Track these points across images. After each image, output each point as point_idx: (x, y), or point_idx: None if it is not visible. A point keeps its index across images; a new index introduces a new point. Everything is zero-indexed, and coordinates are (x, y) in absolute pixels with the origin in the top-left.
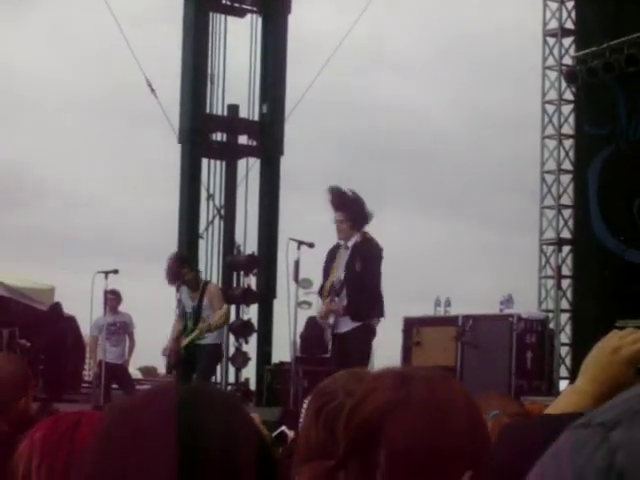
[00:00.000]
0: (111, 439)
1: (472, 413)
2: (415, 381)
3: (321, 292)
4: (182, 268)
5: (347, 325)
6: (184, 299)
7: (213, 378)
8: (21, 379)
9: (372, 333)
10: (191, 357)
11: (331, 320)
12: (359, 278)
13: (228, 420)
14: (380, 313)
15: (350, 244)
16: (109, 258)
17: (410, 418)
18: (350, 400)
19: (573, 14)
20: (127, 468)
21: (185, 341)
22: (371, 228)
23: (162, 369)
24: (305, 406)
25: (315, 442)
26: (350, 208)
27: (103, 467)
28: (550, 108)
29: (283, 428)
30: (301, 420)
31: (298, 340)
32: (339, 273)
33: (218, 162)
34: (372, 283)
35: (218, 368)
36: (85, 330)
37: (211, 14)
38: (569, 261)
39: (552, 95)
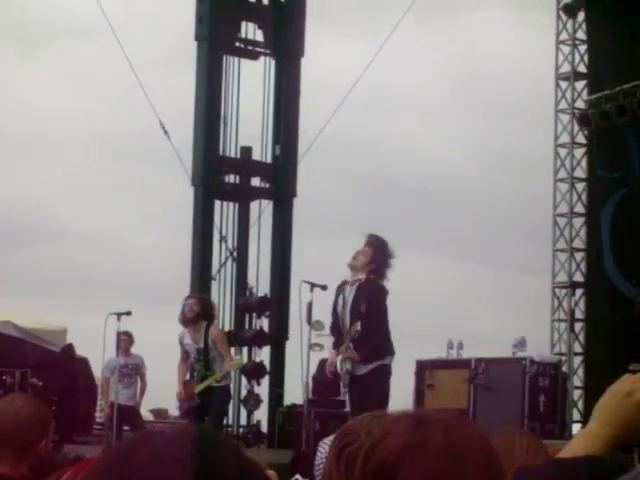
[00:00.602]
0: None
1: (489, 457)
2: (431, 424)
3: (332, 330)
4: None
5: (364, 368)
6: (186, 342)
7: (225, 420)
8: (42, 420)
9: (388, 372)
10: (203, 401)
11: (348, 366)
12: (369, 320)
13: (241, 468)
14: (391, 351)
15: (355, 285)
16: (121, 299)
17: (426, 462)
18: (368, 441)
19: (586, 57)
20: None
21: (200, 387)
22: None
23: (173, 411)
24: (320, 448)
25: None
26: (379, 252)
27: None
28: (562, 151)
29: (297, 477)
30: (316, 464)
31: (310, 382)
32: (349, 317)
33: (231, 204)
34: (380, 323)
35: (229, 409)
36: (97, 371)
37: (224, 57)
38: (582, 304)
39: (565, 138)
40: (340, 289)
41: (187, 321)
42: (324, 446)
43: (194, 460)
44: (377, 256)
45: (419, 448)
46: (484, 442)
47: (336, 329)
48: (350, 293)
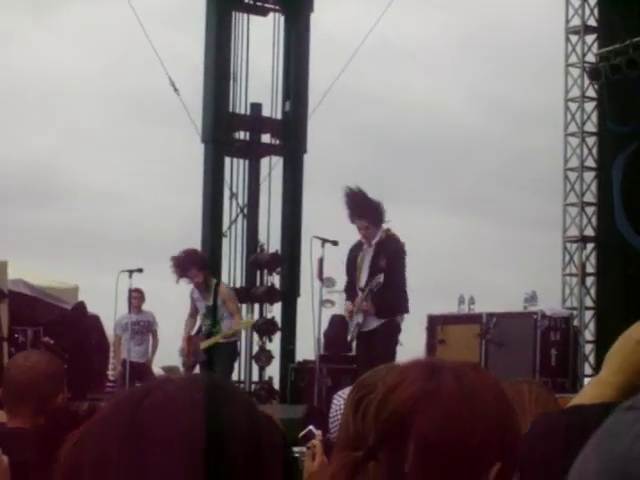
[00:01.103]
0: (140, 432)
1: (502, 405)
2: (445, 372)
3: (348, 290)
4: (188, 270)
5: (374, 322)
6: (196, 298)
7: (234, 376)
8: (57, 375)
9: (397, 329)
10: (210, 357)
11: (360, 319)
12: (386, 276)
13: (253, 416)
14: (405, 309)
15: (374, 242)
16: (133, 257)
17: (439, 409)
18: (381, 391)
19: (596, 11)
20: (153, 459)
21: (206, 343)
22: (394, 224)
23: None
24: (335, 402)
25: (353, 434)
26: (369, 212)
27: (130, 456)
28: (573, 105)
29: (311, 427)
30: (330, 417)
31: (322, 338)
32: (368, 273)
33: (241, 161)
34: (397, 280)
35: (240, 366)
36: (109, 329)
37: (233, 13)
38: (593, 259)
39: (575, 92)
40: (356, 249)
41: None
42: (339, 399)
43: (205, 406)
44: (371, 215)
45: (432, 395)
46: (497, 390)
47: (351, 288)
48: (368, 251)
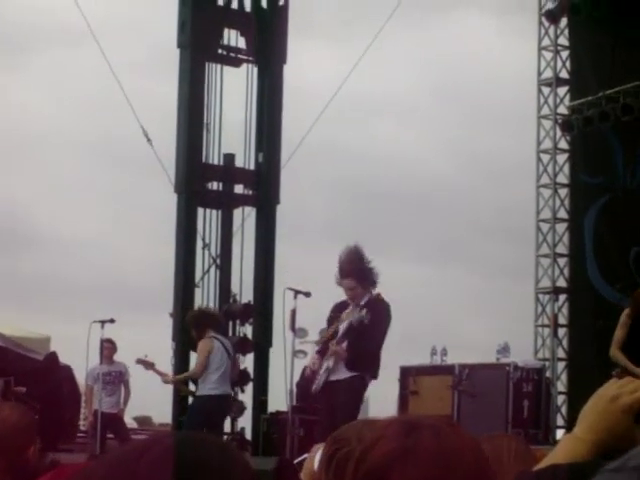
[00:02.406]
0: None
1: (480, 464)
2: (422, 430)
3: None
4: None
5: (343, 373)
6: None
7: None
8: (29, 428)
9: (365, 388)
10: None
11: (330, 363)
12: (366, 331)
13: (224, 458)
14: (375, 374)
15: (361, 303)
16: (104, 307)
17: (416, 468)
18: (359, 447)
19: (568, 63)
20: None
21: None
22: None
23: (157, 419)
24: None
25: None
26: (359, 273)
27: None
28: (545, 157)
29: None
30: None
31: (294, 389)
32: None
33: (214, 211)
34: (377, 340)
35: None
36: (80, 379)
37: (207, 64)
38: (565, 310)
39: (547, 144)
40: (339, 308)
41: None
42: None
43: (176, 452)
44: (361, 277)
45: (410, 454)
46: (475, 448)
47: (325, 344)
48: (354, 310)
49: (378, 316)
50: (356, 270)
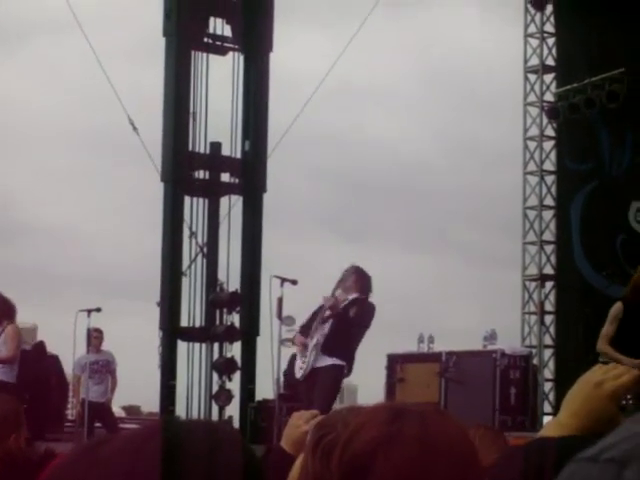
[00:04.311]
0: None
1: (466, 450)
2: (408, 416)
3: (304, 327)
4: None
5: (323, 361)
6: None
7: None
8: (11, 416)
9: (342, 377)
10: None
11: (313, 355)
12: (349, 321)
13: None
14: (350, 370)
15: (351, 297)
16: (92, 295)
17: (401, 453)
18: (345, 432)
19: (554, 50)
20: None
21: None
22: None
23: (145, 408)
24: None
25: (312, 474)
26: (365, 289)
27: None
28: (532, 144)
29: None
30: None
31: (281, 377)
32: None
33: (201, 200)
34: (355, 337)
35: (200, 405)
36: (67, 369)
37: (193, 52)
38: (552, 297)
39: (534, 131)
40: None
41: None
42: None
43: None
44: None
45: (395, 440)
46: (461, 435)
47: (308, 327)
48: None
49: (364, 315)
50: (364, 288)
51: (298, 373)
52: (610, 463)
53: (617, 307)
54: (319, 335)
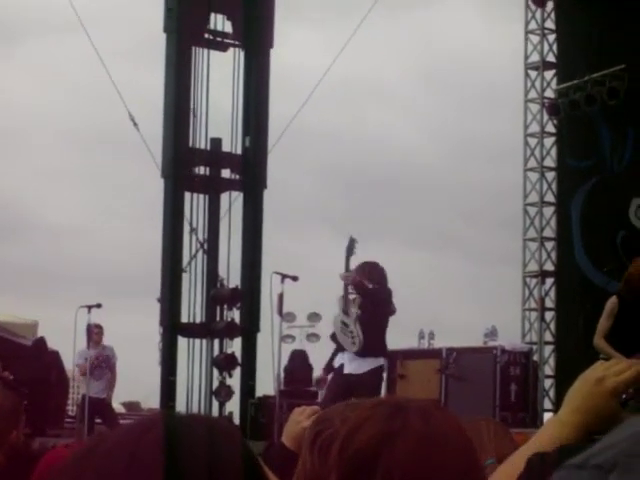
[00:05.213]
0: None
1: (466, 447)
2: (410, 411)
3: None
4: None
5: (361, 367)
6: None
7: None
8: (12, 411)
9: (382, 376)
10: None
11: (346, 358)
12: (372, 316)
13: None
14: (385, 352)
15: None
16: (92, 291)
17: (406, 448)
18: (344, 428)
19: (555, 47)
20: None
21: None
22: (355, 258)
23: (145, 404)
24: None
25: (310, 470)
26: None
27: None
28: (532, 141)
29: None
30: None
31: (282, 373)
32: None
33: (201, 196)
34: (382, 321)
35: (200, 401)
36: (68, 365)
37: (193, 48)
38: (552, 293)
39: (534, 128)
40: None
41: None
42: None
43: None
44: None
45: (397, 435)
46: (461, 430)
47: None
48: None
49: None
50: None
51: (351, 348)
52: (597, 470)
53: (612, 301)
54: (355, 308)
